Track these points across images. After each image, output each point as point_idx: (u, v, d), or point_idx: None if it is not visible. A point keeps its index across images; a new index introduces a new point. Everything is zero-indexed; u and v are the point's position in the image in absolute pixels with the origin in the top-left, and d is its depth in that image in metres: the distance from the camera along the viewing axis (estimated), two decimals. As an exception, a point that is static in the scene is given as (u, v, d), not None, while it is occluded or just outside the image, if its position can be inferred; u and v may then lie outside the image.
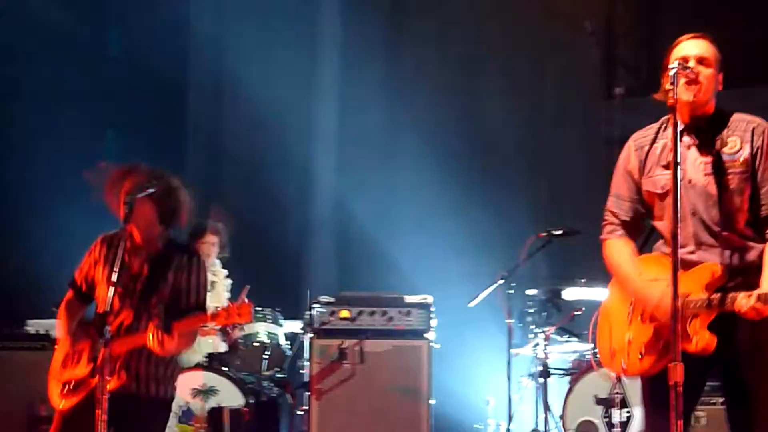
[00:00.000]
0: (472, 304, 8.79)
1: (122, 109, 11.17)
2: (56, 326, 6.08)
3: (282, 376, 8.89)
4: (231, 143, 12.09)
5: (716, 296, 4.60)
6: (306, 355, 8.27)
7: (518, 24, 11.63)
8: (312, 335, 8.20)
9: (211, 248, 9.18)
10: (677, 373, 4.16)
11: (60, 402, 5.72)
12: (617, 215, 5.07)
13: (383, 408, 8.05)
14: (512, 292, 8.83)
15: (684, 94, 4.72)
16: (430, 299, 8.34)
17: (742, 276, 4.72)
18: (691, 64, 4.77)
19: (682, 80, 4.70)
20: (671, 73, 4.59)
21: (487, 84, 11.54)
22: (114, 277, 5.34)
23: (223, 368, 8.43)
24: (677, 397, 4.17)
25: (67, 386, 5.68)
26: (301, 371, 8.48)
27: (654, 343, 4.74)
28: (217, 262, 9.31)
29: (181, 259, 5.81)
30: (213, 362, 8.52)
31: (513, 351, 8.81)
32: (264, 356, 8.69)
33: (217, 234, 9.27)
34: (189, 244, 6.06)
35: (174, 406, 8.11)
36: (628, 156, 5.08)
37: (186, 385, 8.17)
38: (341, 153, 11.87)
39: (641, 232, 5.13)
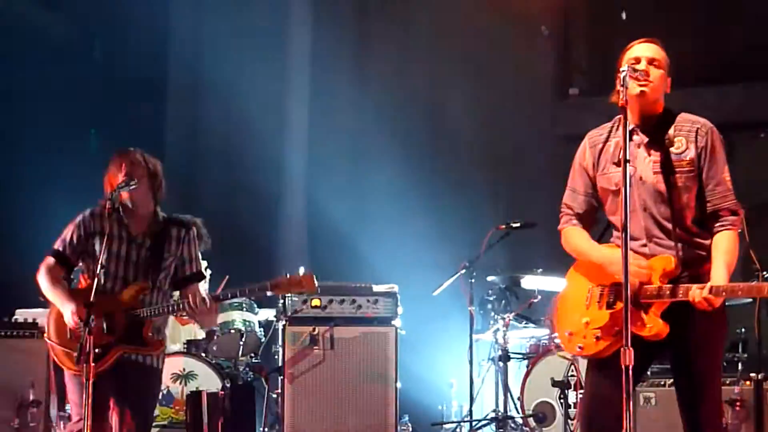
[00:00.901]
0: (436, 293, 9.00)
1: (103, 109, 11.21)
2: (46, 291, 6.08)
3: (257, 361, 8.97)
4: (207, 141, 12.21)
5: (669, 286, 4.73)
6: (279, 341, 8.37)
7: (478, 27, 11.77)
8: (285, 322, 8.27)
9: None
10: (628, 357, 4.33)
11: (76, 366, 5.78)
12: (572, 208, 5.18)
13: (352, 391, 8.16)
14: (474, 281, 8.99)
15: (634, 89, 4.83)
16: (396, 288, 8.44)
17: (690, 269, 4.86)
18: (642, 64, 4.91)
19: (633, 81, 4.81)
20: (622, 75, 4.72)
21: (449, 84, 11.74)
22: (102, 260, 5.64)
23: (202, 354, 8.59)
24: (628, 380, 4.32)
25: (84, 354, 5.59)
26: (275, 356, 8.63)
27: (610, 328, 4.85)
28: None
29: (179, 231, 6.09)
30: (192, 348, 8.72)
31: (475, 336, 9.00)
32: (240, 342, 8.77)
33: (193, 224, 9.56)
34: (184, 218, 6.18)
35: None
36: (584, 153, 5.17)
37: (167, 370, 8.23)
38: (312, 150, 12.00)
39: (594, 224, 5.24)
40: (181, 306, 5.94)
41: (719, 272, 4.75)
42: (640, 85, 4.88)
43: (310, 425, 8.20)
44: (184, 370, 8.47)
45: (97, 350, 5.65)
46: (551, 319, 5.45)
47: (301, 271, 5.98)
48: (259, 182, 11.53)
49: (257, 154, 11.48)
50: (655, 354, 5.04)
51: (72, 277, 6.22)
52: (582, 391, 8.04)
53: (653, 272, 4.80)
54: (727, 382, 7.51)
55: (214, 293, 5.98)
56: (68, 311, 5.90)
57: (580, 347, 5.00)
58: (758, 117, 11.58)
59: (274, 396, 8.53)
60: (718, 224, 4.90)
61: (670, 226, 4.92)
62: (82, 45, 11.34)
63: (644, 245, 4.92)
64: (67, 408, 8.23)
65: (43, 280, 6.10)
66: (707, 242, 4.92)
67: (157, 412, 8.22)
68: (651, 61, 4.97)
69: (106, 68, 11.21)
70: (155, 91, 11.99)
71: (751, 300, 8.66)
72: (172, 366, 8.41)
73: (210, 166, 12.23)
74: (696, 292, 4.64)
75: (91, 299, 5.48)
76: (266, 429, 8.48)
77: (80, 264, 6.14)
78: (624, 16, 11.76)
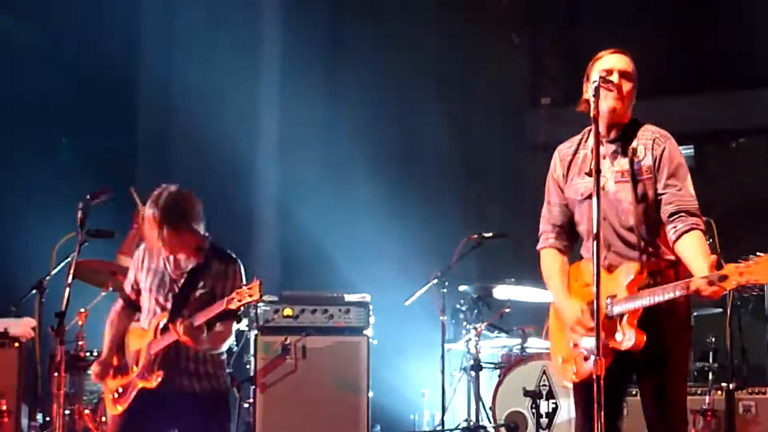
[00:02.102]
0: (408, 302, 8.96)
1: (75, 113, 11.10)
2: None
3: (229, 370, 8.79)
4: (178, 148, 12.15)
5: (664, 286, 4.68)
6: (251, 350, 8.37)
7: (450, 37, 11.83)
8: (257, 332, 8.30)
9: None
10: (599, 367, 4.34)
11: (113, 408, 5.83)
12: (550, 221, 5.25)
13: (324, 400, 8.18)
14: (446, 290, 8.94)
15: (606, 104, 4.88)
16: (368, 298, 8.49)
17: (653, 278, 4.87)
18: (615, 77, 4.95)
19: (605, 92, 4.86)
20: (594, 86, 4.77)
21: (421, 93, 11.73)
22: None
23: None
24: (599, 390, 4.33)
25: (116, 393, 5.82)
26: (246, 366, 8.58)
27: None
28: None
29: (219, 266, 5.89)
30: None
31: (446, 346, 8.94)
32: None
33: None
34: (228, 252, 6.01)
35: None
36: (555, 166, 5.26)
37: None
38: (284, 161, 11.98)
39: (577, 235, 5.25)
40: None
41: (703, 263, 4.63)
42: (614, 99, 4.93)
43: (281, 434, 8.17)
44: (155, 379, 8.41)
45: (120, 389, 5.84)
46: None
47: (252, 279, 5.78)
48: (232, 193, 11.48)
49: (229, 166, 11.49)
50: (633, 366, 4.99)
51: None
52: (553, 400, 8.19)
53: (617, 283, 4.81)
54: (698, 392, 7.58)
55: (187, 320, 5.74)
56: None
57: (574, 372, 5.01)
58: (729, 126, 11.67)
59: (246, 406, 8.48)
60: (682, 224, 4.86)
61: (628, 235, 4.95)
62: (52, 52, 11.26)
63: (604, 257, 4.88)
64: (38, 417, 8.23)
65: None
66: (667, 250, 4.95)
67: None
68: (623, 74, 5.02)
69: (76, 76, 11.08)
70: (126, 100, 11.94)
71: (721, 310, 8.75)
72: (143, 375, 8.39)
73: (180, 173, 11.89)
74: (701, 281, 4.50)
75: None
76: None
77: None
78: (516, 40, 11.91)
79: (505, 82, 11.99)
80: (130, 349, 5.91)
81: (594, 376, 4.37)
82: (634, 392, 6.73)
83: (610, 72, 4.99)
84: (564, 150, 5.27)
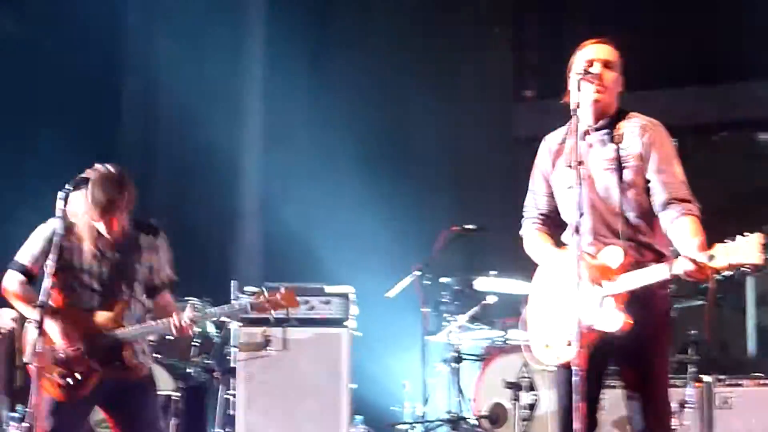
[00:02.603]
0: (389, 294, 8.97)
1: (56, 103, 11.02)
2: (23, 311, 5.91)
3: (210, 362, 8.82)
4: (162, 138, 12.13)
5: (648, 268, 4.71)
6: (233, 342, 8.40)
7: (435, 29, 11.83)
8: (238, 324, 8.30)
9: None
10: (582, 358, 4.40)
11: (57, 393, 5.66)
12: (536, 209, 5.29)
13: (306, 392, 8.21)
14: (428, 282, 9.01)
15: (589, 96, 4.93)
16: (350, 290, 8.51)
17: (638, 266, 4.83)
18: (597, 68, 4.99)
19: (587, 84, 4.90)
20: (576, 78, 4.85)
21: (406, 85, 11.72)
22: (50, 269, 5.41)
23: (154, 355, 8.57)
24: (582, 381, 4.38)
25: (70, 378, 5.66)
26: (227, 357, 8.57)
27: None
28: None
29: (147, 238, 5.91)
30: None
31: (428, 338, 9.00)
32: (193, 343, 8.63)
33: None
34: (152, 224, 5.98)
35: (107, 391, 8.37)
36: (542, 155, 5.29)
37: None
38: (267, 150, 11.97)
39: (560, 225, 5.26)
40: (162, 323, 5.80)
41: (691, 243, 4.65)
42: (596, 92, 4.95)
43: (263, 426, 8.24)
44: (136, 370, 8.41)
45: (78, 376, 5.65)
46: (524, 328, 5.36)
47: (282, 289, 5.94)
48: (214, 185, 11.51)
49: (212, 152, 11.42)
50: (612, 353, 5.02)
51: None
52: (534, 392, 8.20)
53: (607, 267, 4.81)
54: (678, 384, 7.60)
55: (190, 317, 5.81)
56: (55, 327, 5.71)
57: (558, 357, 5.00)
58: (710, 120, 11.70)
59: (227, 397, 8.47)
60: (674, 211, 4.88)
61: (615, 222, 4.96)
62: (33, 42, 11.20)
63: (591, 244, 4.94)
64: (18, 409, 8.20)
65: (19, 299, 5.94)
66: (653, 240, 4.98)
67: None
68: (605, 64, 5.03)
69: (57, 66, 11.06)
70: (109, 86, 11.86)
71: (702, 302, 8.78)
72: (124, 367, 8.39)
73: (164, 164, 12.14)
74: (684, 261, 4.54)
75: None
76: (219, 430, 8.45)
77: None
78: (498, 33, 11.95)
79: (488, 75, 12.00)
80: (67, 333, 5.70)
81: (573, 368, 4.41)
82: (613, 384, 6.78)
83: (591, 63, 5.01)
84: (551, 140, 5.30)
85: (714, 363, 8.13)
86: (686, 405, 7.45)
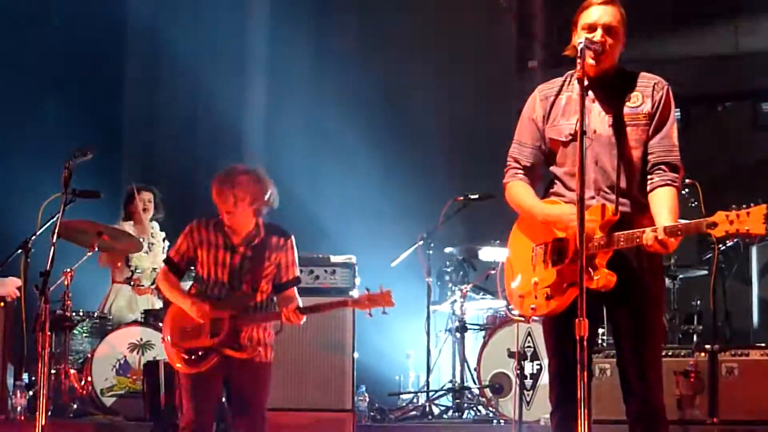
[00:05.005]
0: (393, 264, 9.06)
1: (62, 76, 11.12)
2: (165, 295, 6.46)
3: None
4: (165, 109, 12.17)
5: (623, 233, 4.67)
6: None
7: (438, 2, 11.87)
8: None
9: (148, 204, 9.48)
10: (582, 328, 4.28)
11: (186, 368, 6.15)
12: (519, 161, 5.17)
13: (310, 361, 8.19)
14: (431, 252, 9.06)
15: (589, 61, 4.80)
16: (353, 259, 8.47)
17: (633, 222, 4.80)
18: (598, 36, 4.88)
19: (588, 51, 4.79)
20: (579, 47, 4.70)
21: (408, 59, 11.74)
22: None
23: (159, 324, 8.34)
24: (582, 351, 4.25)
25: (194, 355, 6.13)
26: None
27: (559, 285, 4.84)
28: (155, 224, 9.55)
29: (278, 240, 6.34)
30: (149, 318, 8.72)
31: (432, 308, 9.08)
32: None
33: (150, 191, 9.58)
34: (283, 228, 6.46)
35: (112, 360, 8.45)
36: (533, 105, 5.18)
37: (124, 339, 8.48)
38: (270, 125, 12.00)
39: (540, 179, 5.20)
40: (275, 313, 6.28)
41: (668, 217, 4.72)
42: (597, 57, 4.86)
43: (267, 395, 8.21)
44: (141, 339, 8.54)
45: (200, 352, 6.11)
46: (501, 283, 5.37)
47: (380, 289, 6.19)
48: (218, 158, 11.31)
49: (216, 125, 11.52)
50: (602, 309, 5.03)
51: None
52: (537, 362, 8.23)
53: (594, 223, 4.76)
54: (682, 353, 7.62)
55: (299, 307, 6.20)
56: (187, 304, 6.21)
57: (533, 308, 4.97)
58: (715, 90, 11.69)
59: (232, 366, 8.50)
60: (658, 178, 4.90)
61: (619, 178, 4.92)
62: (40, 14, 11.20)
63: (592, 197, 4.89)
64: (24, 377, 8.26)
65: (163, 287, 6.47)
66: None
67: (114, 381, 8.46)
68: (608, 30, 4.92)
69: (63, 38, 11.07)
70: (114, 61, 11.93)
71: (706, 272, 8.79)
72: (129, 335, 8.55)
73: (169, 139, 12.17)
74: (650, 235, 4.57)
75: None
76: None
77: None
78: (503, 3, 11.94)
79: (492, 45, 11.98)
80: (199, 316, 6.16)
81: (577, 337, 4.29)
82: (612, 354, 6.74)
83: (593, 28, 4.91)
84: (546, 90, 5.20)
85: (718, 333, 8.14)
86: (691, 374, 7.46)
